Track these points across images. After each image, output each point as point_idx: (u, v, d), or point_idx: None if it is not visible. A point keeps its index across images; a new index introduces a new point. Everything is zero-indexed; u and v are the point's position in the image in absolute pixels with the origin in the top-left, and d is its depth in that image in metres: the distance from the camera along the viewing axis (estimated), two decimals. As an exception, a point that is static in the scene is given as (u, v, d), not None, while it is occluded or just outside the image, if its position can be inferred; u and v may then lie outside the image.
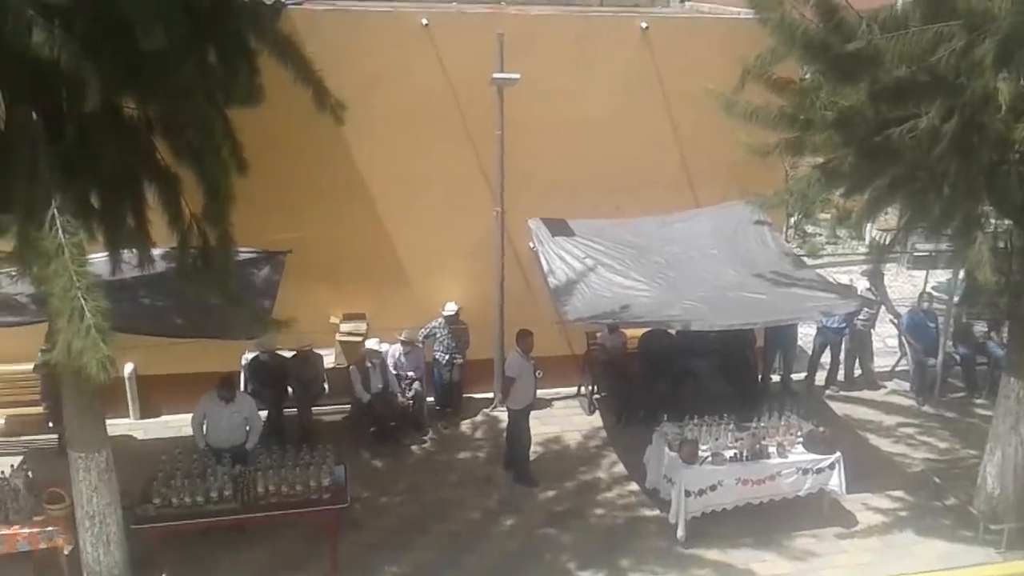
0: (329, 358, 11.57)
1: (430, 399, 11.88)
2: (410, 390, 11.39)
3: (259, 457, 9.00)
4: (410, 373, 11.44)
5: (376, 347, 11.08)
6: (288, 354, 11.05)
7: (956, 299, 12.99)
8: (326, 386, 11.41)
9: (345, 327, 11.62)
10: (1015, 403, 9.22)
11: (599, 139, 11.65)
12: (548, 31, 11.55)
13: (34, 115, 6.13)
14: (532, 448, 10.78)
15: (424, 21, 11.10)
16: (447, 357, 11.66)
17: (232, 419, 9.47)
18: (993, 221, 9.24)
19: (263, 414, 10.24)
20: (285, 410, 11.06)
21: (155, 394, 11.62)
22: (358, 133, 10.46)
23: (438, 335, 11.66)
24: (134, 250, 7.21)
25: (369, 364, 11.03)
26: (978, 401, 12.72)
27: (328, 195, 11.21)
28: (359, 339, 11.43)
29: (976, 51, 7.28)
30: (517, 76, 10.40)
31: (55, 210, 5.82)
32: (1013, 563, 9.14)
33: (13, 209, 6.01)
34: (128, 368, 11.35)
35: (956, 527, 9.69)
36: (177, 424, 11.29)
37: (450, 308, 11.60)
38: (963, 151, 7.93)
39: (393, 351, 11.44)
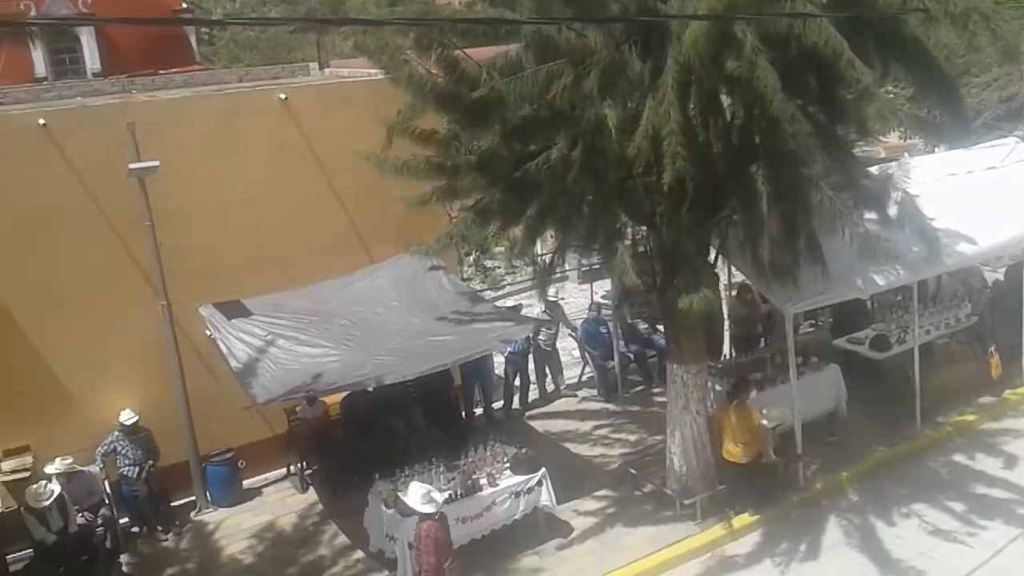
0: (-5, 504, 10.13)
1: (124, 520, 10.77)
2: (95, 521, 10.13)
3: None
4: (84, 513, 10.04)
5: (43, 490, 9.68)
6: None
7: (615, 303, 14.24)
8: (-4, 535, 9.96)
9: (7, 465, 10.24)
10: (682, 386, 10.20)
11: (259, 214, 11.36)
12: (184, 114, 11.21)
13: None
14: (247, 543, 10.43)
15: (41, 121, 10.25)
16: (136, 470, 10.65)
17: None
18: (631, 230, 10.27)
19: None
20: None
21: None
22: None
23: (119, 449, 10.59)
24: None
25: (44, 504, 9.68)
26: (656, 391, 13.69)
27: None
28: (27, 475, 10.11)
29: (584, 84, 8.08)
30: (156, 164, 9.95)
31: None
32: (711, 531, 10.10)
33: None
34: None
35: (657, 510, 10.50)
36: None
37: (126, 416, 10.57)
38: (592, 173, 8.71)
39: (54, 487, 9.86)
